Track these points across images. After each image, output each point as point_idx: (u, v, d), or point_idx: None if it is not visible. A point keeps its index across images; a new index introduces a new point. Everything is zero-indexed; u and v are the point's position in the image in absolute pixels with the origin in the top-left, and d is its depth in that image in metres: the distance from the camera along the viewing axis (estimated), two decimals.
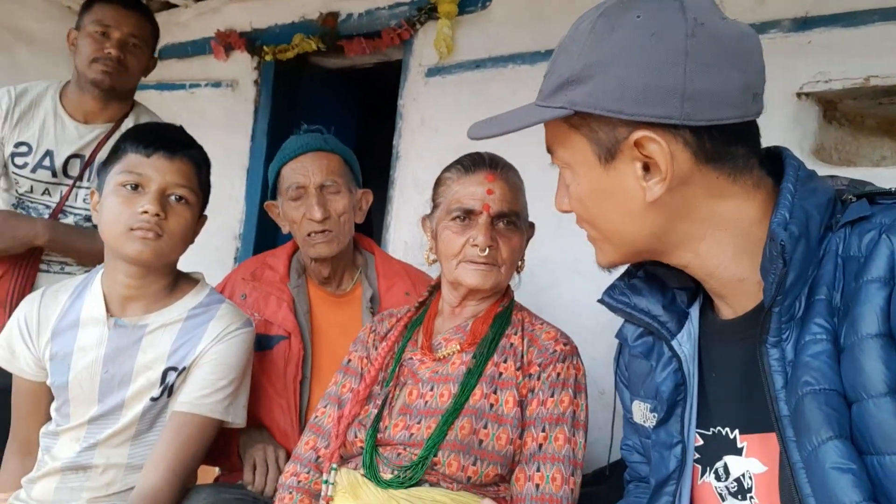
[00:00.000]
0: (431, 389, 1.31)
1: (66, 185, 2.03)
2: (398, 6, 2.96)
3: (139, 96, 2.20)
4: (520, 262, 1.41)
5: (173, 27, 3.71)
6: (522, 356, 1.32)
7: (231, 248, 3.43)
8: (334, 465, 1.32)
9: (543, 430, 1.26)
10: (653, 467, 0.99)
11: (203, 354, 1.45)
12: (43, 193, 2.03)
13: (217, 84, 3.58)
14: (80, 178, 2.03)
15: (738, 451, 0.89)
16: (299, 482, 1.38)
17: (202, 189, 1.49)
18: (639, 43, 0.80)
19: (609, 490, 1.38)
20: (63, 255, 2.00)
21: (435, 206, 1.43)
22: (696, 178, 0.84)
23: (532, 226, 1.45)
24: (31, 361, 1.49)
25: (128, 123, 2.07)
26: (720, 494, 0.91)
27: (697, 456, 0.95)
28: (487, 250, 1.31)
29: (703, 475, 0.94)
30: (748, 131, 0.85)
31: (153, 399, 1.44)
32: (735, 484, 0.89)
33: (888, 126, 2.11)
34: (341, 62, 3.30)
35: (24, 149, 2.00)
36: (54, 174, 2.02)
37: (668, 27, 0.79)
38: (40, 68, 3.45)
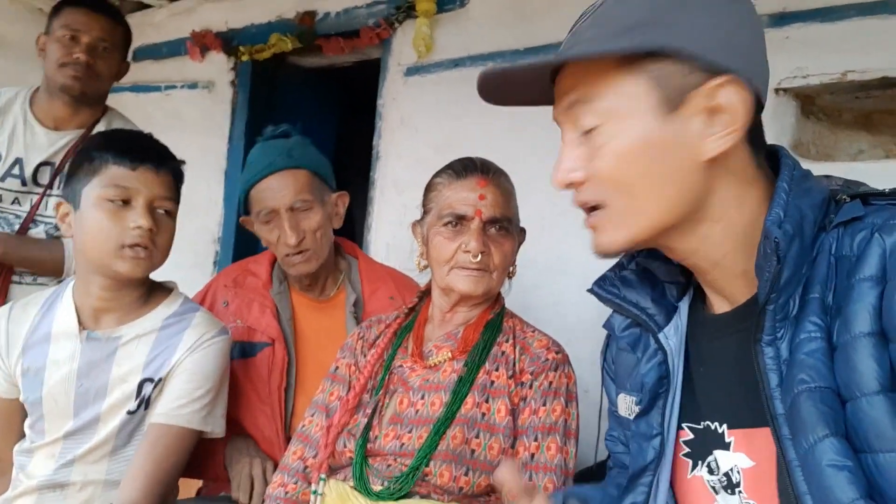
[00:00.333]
0: (422, 398, 1.30)
1: (37, 193, 1.98)
2: (376, 5, 2.94)
3: (113, 99, 2.16)
4: (511, 268, 1.41)
5: (147, 28, 3.66)
6: (514, 364, 1.31)
7: (210, 251, 3.39)
8: (322, 476, 1.29)
9: (536, 440, 1.25)
10: (631, 457, 1.00)
11: (179, 364, 1.43)
12: (13, 203, 1.98)
13: (193, 85, 3.53)
14: (51, 185, 1.99)
15: (726, 446, 0.89)
16: (287, 493, 1.36)
17: (179, 199, 1.48)
18: None
19: None
20: (20, 267, 1.96)
21: (426, 212, 1.41)
22: (738, 151, 0.83)
23: (523, 231, 1.44)
24: (2, 378, 1.46)
25: (99, 129, 2.03)
26: (713, 488, 0.91)
27: (688, 450, 0.95)
28: (480, 256, 1.30)
29: (693, 469, 0.94)
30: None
31: (130, 412, 1.42)
32: (724, 478, 0.89)
33: (865, 120, 2.13)
34: (319, 61, 3.27)
35: None
36: (24, 183, 1.97)
37: None
38: (11, 73, 3.36)
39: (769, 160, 0.89)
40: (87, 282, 1.43)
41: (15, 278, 1.95)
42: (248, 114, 3.37)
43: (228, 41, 3.38)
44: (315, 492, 1.29)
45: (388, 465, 1.25)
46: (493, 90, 0.91)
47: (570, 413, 1.29)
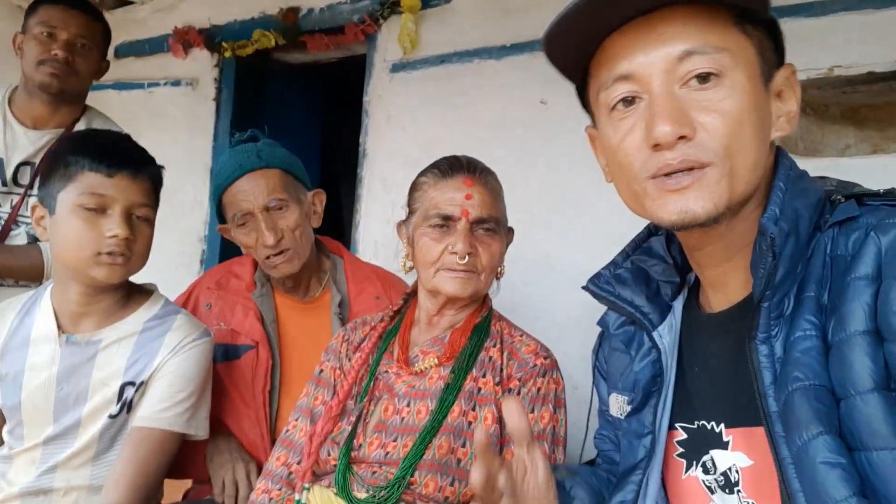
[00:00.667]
0: (408, 405, 1.27)
1: (17, 193, 1.96)
2: (360, 0, 2.91)
3: (96, 96, 2.13)
4: (499, 269, 1.38)
5: (130, 24, 3.62)
6: (502, 370, 1.29)
7: (196, 250, 3.36)
8: (306, 486, 1.27)
9: None
10: (622, 456, 1.00)
11: (161, 367, 1.41)
12: None
13: (176, 83, 3.49)
14: (31, 186, 1.95)
15: (724, 445, 0.88)
16: (271, 500, 1.33)
17: (158, 203, 1.46)
18: None
19: None
20: None
21: (411, 212, 1.38)
22: None
23: (511, 230, 1.42)
24: None
25: (79, 128, 2.00)
26: (709, 488, 0.91)
27: (681, 450, 0.95)
28: (467, 258, 1.27)
29: (688, 469, 0.94)
30: None
31: (112, 416, 1.40)
32: (722, 478, 0.89)
33: (852, 114, 2.14)
34: (304, 57, 3.25)
35: None
36: (4, 183, 1.95)
37: None
38: None
39: None
40: (65, 286, 1.41)
41: None
42: (233, 111, 3.34)
43: (211, 38, 3.35)
44: (299, 501, 1.26)
45: (373, 473, 1.23)
46: (567, 30, 0.84)
47: (558, 419, 1.27)
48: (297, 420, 1.39)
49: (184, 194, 3.31)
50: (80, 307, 1.41)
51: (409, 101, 2.77)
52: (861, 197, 0.82)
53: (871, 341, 0.72)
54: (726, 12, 0.80)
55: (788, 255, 0.78)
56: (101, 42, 2.04)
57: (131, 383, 1.40)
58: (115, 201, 1.34)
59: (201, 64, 3.42)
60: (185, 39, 3.40)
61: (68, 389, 1.39)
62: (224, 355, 1.65)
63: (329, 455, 1.27)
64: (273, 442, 1.50)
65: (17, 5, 3.51)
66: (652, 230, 1.06)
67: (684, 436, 0.95)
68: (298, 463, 1.33)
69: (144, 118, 3.44)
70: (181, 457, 1.48)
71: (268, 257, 1.63)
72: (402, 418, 1.26)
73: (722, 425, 0.89)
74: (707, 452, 0.91)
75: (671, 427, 0.96)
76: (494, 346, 1.32)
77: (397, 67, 2.80)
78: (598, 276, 1.03)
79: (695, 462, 0.93)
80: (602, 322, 1.09)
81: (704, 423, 0.92)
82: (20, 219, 1.95)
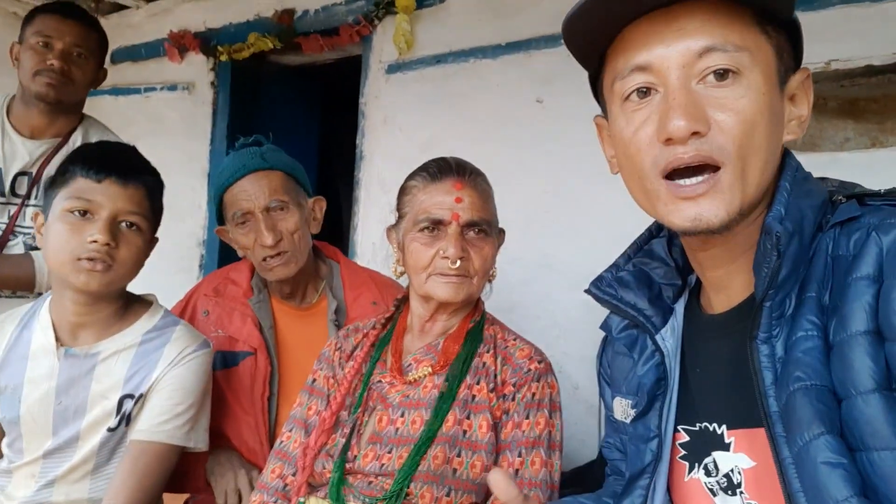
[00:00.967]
0: (402, 416, 1.25)
1: (15, 204, 1.95)
2: (355, 1, 2.91)
3: (92, 102, 2.13)
4: (492, 271, 1.35)
5: (125, 29, 3.62)
6: (496, 376, 1.27)
7: (195, 255, 3.36)
8: (301, 500, 1.25)
9: (520, 455, 1.21)
10: (629, 460, 1.00)
11: (160, 380, 1.40)
12: None
13: (173, 87, 3.49)
14: (29, 196, 1.95)
15: (726, 447, 0.88)
16: None
17: (154, 214, 1.44)
18: None
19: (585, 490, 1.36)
20: None
21: (400, 217, 1.35)
22: None
23: (502, 232, 1.39)
24: None
25: (76, 137, 2.00)
26: (711, 490, 0.90)
27: (684, 452, 0.95)
28: (459, 262, 1.25)
29: (690, 471, 0.93)
30: None
31: (111, 429, 1.39)
32: (724, 480, 0.89)
33: (850, 108, 2.13)
34: (300, 59, 3.24)
35: None
36: (2, 193, 1.94)
37: None
38: None
39: None
40: (61, 296, 1.40)
41: None
42: (230, 114, 3.34)
43: (207, 41, 3.35)
44: None
45: (369, 483, 1.21)
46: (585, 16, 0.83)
47: (553, 424, 1.25)
48: (290, 431, 1.37)
49: (182, 199, 3.31)
50: (77, 318, 1.40)
51: (406, 101, 2.76)
52: (862, 197, 0.82)
53: (872, 341, 0.71)
54: (749, 11, 0.80)
55: (792, 254, 0.78)
56: (97, 51, 2.03)
57: (130, 396, 1.39)
58: (101, 207, 1.33)
59: (197, 68, 3.42)
60: (180, 43, 3.41)
61: (67, 402, 1.38)
62: (222, 362, 1.64)
63: (324, 468, 1.25)
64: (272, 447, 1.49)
65: (12, 12, 3.51)
66: (653, 232, 1.05)
67: (687, 438, 0.95)
68: (293, 475, 1.31)
69: (141, 123, 3.44)
70: (180, 469, 1.47)
71: (265, 259, 1.63)
72: (397, 429, 1.24)
73: (724, 427, 0.89)
74: (709, 454, 0.90)
75: (674, 430, 0.95)
76: (488, 351, 1.30)
77: (393, 68, 2.80)
78: (599, 279, 1.02)
79: (697, 464, 0.92)
80: (605, 326, 1.09)
81: (706, 424, 0.91)
82: (18, 229, 1.95)
